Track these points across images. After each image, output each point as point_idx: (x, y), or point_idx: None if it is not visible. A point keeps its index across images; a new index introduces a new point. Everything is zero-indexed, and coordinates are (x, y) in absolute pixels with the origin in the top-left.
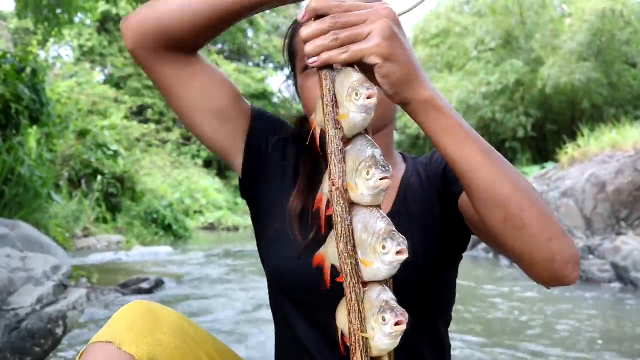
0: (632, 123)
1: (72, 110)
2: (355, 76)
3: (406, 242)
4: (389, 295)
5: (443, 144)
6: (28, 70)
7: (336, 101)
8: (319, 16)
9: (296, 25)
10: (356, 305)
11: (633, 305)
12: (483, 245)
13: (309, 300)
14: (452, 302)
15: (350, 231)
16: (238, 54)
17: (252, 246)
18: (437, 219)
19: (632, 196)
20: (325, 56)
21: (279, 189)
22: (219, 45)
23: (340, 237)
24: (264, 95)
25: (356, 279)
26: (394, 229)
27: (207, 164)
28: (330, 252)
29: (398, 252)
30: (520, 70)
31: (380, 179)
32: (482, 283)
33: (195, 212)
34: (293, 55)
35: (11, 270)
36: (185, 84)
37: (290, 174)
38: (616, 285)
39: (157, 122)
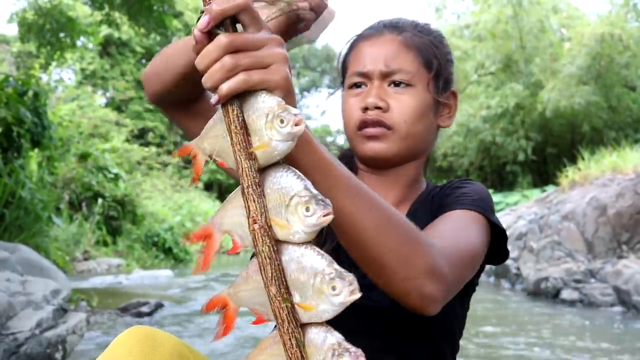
0: (632, 146)
1: (73, 133)
2: (273, 100)
3: (355, 280)
4: (337, 336)
5: (311, 180)
6: (30, 93)
7: (246, 129)
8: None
9: (355, 39)
10: (297, 351)
11: (637, 329)
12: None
13: None
14: (458, 332)
15: (282, 272)
16: None
17: None
18: None
19: (633, 219)
20: (224, 88)
21: None
22: None
23: (272, 279)
24: None
25: (294, 323)
26: (338, 266)
27: (208, 187)
28: (241, 296)
29: (351, 292)
30: (520, 93)
31: (324, 216)
32: (480, 306)
33: None
34: (345, 70)
35: (11, 294)
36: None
37: None
38: (618, 309)
39: (158, 145)
